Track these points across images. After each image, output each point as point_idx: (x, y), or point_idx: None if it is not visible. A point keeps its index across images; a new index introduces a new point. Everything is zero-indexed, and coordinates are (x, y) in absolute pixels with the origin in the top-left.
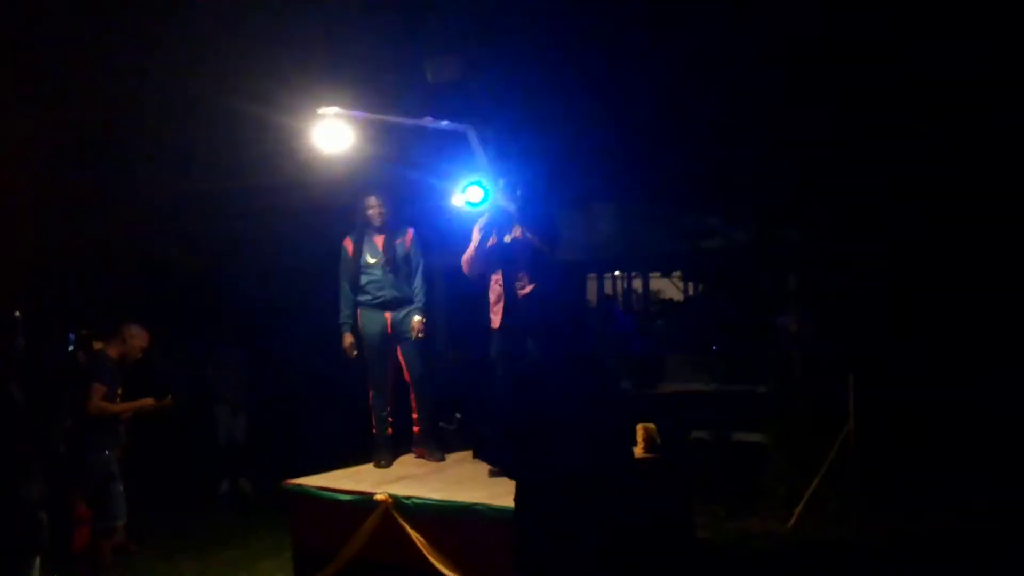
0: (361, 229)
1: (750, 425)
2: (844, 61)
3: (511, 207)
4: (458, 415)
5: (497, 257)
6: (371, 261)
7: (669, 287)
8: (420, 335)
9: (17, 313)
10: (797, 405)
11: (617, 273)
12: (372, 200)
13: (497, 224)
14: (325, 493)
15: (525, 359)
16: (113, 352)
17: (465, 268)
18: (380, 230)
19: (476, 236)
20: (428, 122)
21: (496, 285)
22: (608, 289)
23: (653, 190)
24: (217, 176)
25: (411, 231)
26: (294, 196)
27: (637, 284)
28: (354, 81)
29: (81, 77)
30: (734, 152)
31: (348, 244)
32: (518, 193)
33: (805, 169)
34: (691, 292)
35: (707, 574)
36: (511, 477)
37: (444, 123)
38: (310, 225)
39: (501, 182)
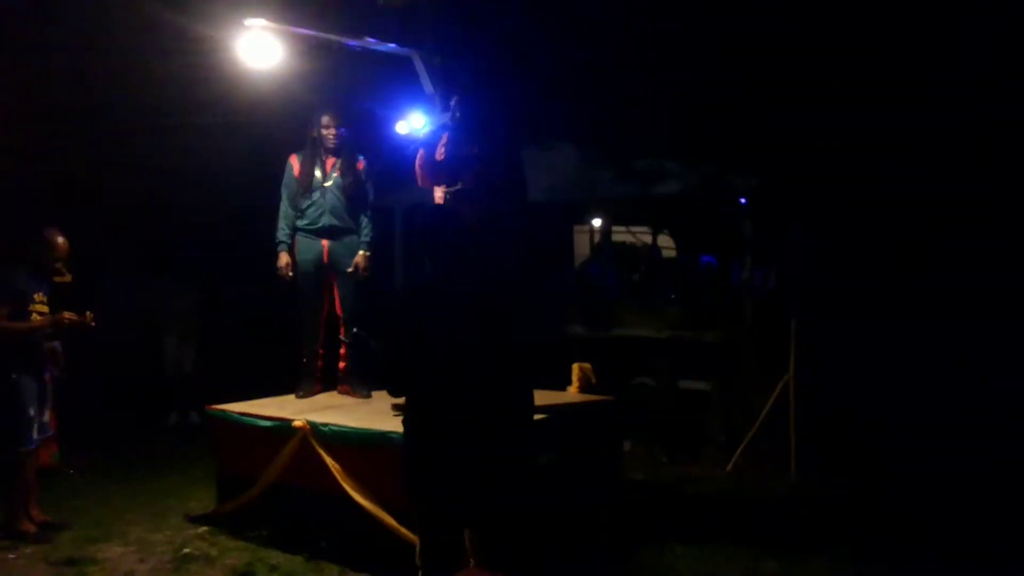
0: (311, 148)
1: (698, 373)
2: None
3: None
4: (355, 330)
5: (444, 172)
6: (316, 184)
7: (639, 238)
8: (364, 273)
9: None
10: (744, 353)
11: (597, 223)
12: (327, 119)
13: (438, 138)
14: (246, 419)
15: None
16: (27, 264)
17: (419, 180)
18: (332, 152)
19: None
20: (371, 43)
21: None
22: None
23: (612, 130)
24: (141, 95)
25: (363, 160)
26: (221, 117)
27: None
28: None
29: None
30: (697, 92)
31: (294, 162)
32: (454, 105)
33: (764, 112)
34: (656, 242)
35: (631, 513)
36: (391, 393)
37: (391, 46)
38: (240, 148)
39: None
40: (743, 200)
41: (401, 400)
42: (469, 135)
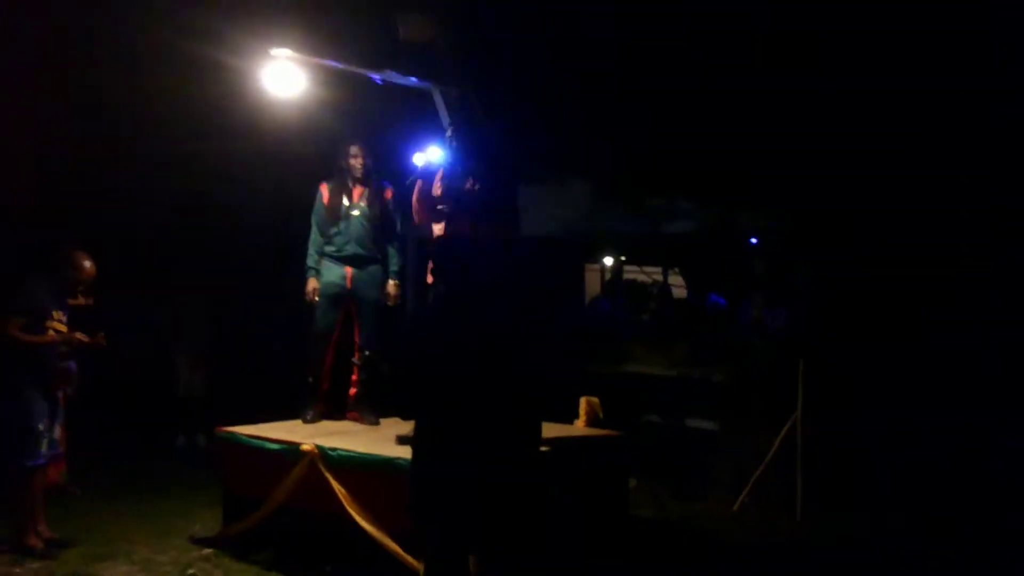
0: (339, 177)
1: (706, 412)
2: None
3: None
4: (367, 352)
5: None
6: (343, 212)
7: (650, 277)
8: (395, 302)
9: None
10: (752, 393)
11: (609, 262)
12: (355, 149)
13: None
14: (255, 441)
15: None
16: (50, 281)
17: (415, 217)
18: (359, 181)
19: (418, 185)
20: (392, 77)
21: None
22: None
23: (625, 168)
24: (168, 122)
25: (390, 190)
26: (249, 144)
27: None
28: (309, 24)
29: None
30: (709, 134)
31: (324, 190)
32: (449, 136)
33: (773, 154)
34: (667, 280)
35: (636, 547)
36: (401, 417)
37: (412, 80)
38: (259, 176)
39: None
40: (754, 240)
41: (405, 431)
42: (466, 166)
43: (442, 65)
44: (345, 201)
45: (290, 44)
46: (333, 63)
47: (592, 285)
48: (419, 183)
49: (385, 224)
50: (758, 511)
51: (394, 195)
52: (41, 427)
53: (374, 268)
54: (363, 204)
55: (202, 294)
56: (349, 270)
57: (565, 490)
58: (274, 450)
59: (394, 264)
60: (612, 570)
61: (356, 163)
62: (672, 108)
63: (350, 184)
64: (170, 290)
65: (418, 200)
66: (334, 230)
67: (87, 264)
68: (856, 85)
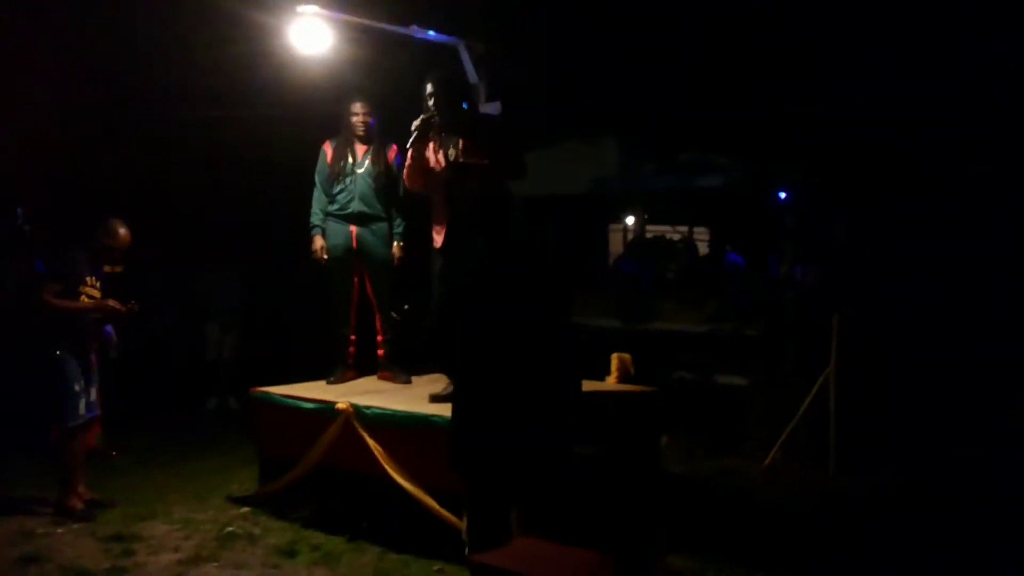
0: (343, 135)
1: (736, 368)
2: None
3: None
4: (406, 306)
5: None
6: (347, 170)
7: (676, 233)
8: (397, 263)
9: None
10: (783, 348)
11: (631, 221)
12: (357, 107)
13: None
14: (290, 401)
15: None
16: (86, 249)
17: (407, 183)
18: (362, 140)
19: (410, 150)
20: (414, 31)
21: (443, 204)
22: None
23: (655, 125)
24: (196, 83)
25: (395, 147)
26: (272, 102)
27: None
28: None
29: None
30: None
31: (327, 148)
32: (456, 100)
33: (808, 104)
34: (693, 236)
35: (668, 503)
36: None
37: (431, 34)
38: (288, 135)
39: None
40: (784, 193)
41: (439, 389)
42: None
43: (468, 18)
44: (349, 159)
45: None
46: (357, 18)
47: (615, 244)
48: (411, 152)
49: (389, 183)
50: (790, 467)
51: (398, 151)
52: (77, 388)
53: (379, 226)
54: (367, 162)
55: (236, 265)
56: (354, 229)
57: (598, 445)
58: (309, 409)
59: (398, 225)
60: (644, 526)
61: (358, 121)
62: (705, 60)
63: (354, 142)
64: (204, 259)
65: (410, 167)
66: (338, 187)
67: (122, 232)
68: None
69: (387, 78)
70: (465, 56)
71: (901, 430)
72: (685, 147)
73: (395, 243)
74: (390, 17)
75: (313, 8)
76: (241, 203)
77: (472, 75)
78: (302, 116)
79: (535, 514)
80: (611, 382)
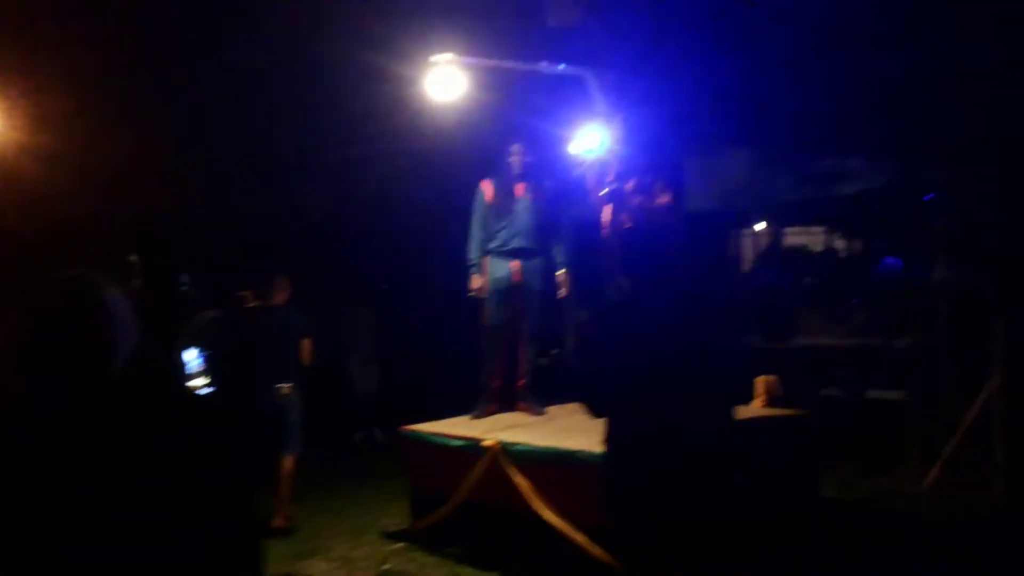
0: (502, 175)
1: (887, 382)
2: None
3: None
4: (554, 351)
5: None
6: (507, 208)
7: (813, 241)
8: (564, 292)
9: (134, 257)
10: (940, 359)
11: (761, 227)
12: (514, 148)
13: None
14: (437, 438)
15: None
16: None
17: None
18: (519, 178)
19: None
20: (544, 67)
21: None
22: (751, 245)
23: (784, 130)
24: (334, 130)
25: (550, 183)
26: (410, 150)
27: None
28: (467, 27)
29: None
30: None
31: (486, 187)
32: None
33: (949, 98)
34: (833, 244)
35: (830, 533)
36: (595, 416)
37: (561, 67)
38: (424, 178)
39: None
40: (931, 195)
41: (575, 422)
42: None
43: (595, 48)
44: (507, 198)
45: (444, 48)
46: (489, 62)
47: (745, 251)
48: (608, 207)
49: (547, 217)
50: (952, 488)
51: (553, 187)
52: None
53: (539, 260)
54: (526, 199)
55: (370, 300)
56: (517, 264)
57: (751, 475)
58: (456, 446)
59: (560, 255)
60: (805, 556)
61: (515, 160)
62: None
63: (512, 181)
64: (344, 297)
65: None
66: (500, 225)
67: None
68: None
69: (519, 116)
70: (592, 83)
71: None
72: (818, 153)
73: (561, 271)
74: (518, 56)
75: (447, 56)
76: (377, 240)
77: (601, 104)
78: (437, 159)
79: (695, 559)
80: (757, 406)
